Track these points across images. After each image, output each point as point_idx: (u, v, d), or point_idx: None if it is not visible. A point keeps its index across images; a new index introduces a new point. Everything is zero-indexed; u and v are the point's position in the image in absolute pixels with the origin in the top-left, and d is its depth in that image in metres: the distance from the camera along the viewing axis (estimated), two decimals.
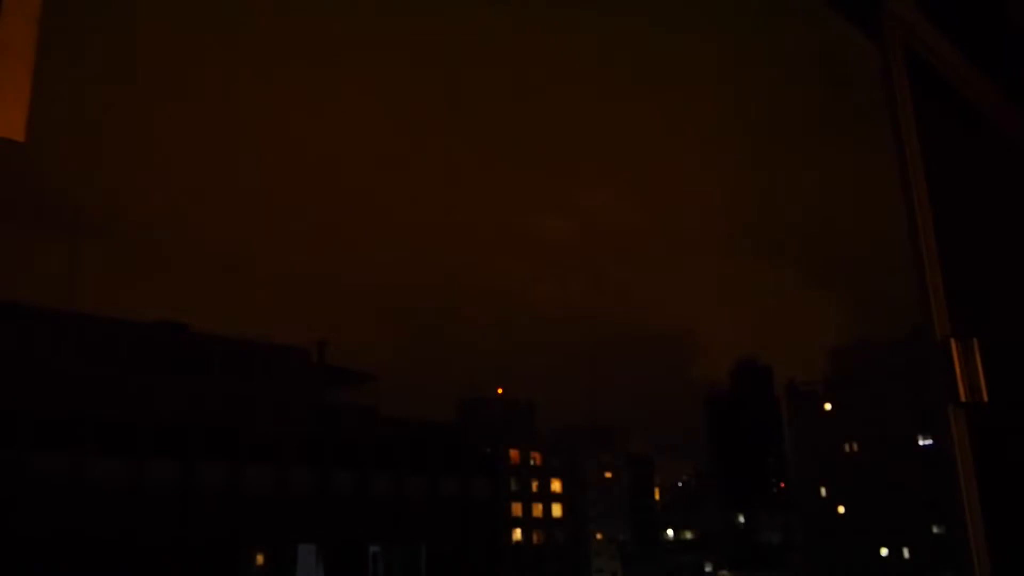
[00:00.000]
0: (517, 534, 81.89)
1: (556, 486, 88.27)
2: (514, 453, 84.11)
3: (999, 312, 2.73)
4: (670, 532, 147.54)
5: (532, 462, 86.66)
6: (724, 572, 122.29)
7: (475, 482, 72.88)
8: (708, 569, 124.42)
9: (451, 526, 68.30)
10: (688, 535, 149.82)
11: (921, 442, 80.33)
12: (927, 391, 70.98)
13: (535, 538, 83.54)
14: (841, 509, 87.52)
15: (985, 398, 2.34)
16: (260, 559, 57.00)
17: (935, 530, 76.88)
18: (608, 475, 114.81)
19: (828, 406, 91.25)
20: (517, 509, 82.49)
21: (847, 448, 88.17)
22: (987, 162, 2.96)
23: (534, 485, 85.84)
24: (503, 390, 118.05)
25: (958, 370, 2.36)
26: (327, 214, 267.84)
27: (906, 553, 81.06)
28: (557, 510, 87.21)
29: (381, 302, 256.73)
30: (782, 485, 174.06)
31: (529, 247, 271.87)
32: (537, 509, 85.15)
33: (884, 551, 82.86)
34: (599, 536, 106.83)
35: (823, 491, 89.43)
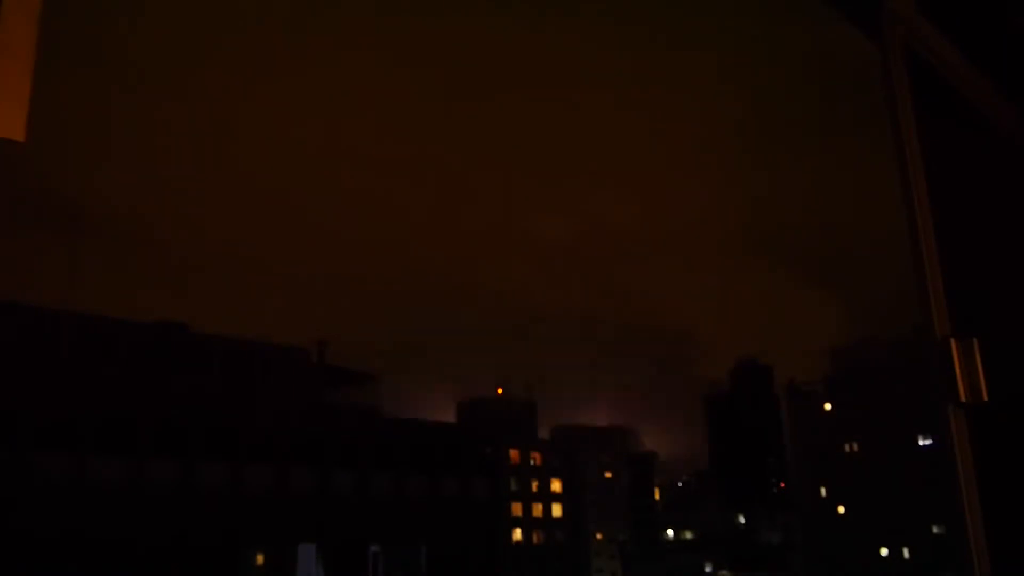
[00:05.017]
0: (517, 534, 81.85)
1: (556, 486, 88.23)
2: (514, 453, 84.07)
3: (999, 312, 2.73)
4: (670, 532, 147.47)
5: (532, 462, 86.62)
6: (724, 572, 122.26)
7: (475, 482, 72.85)
8: (708, 569, 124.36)
9: (451, 526, 68.28)
10: (688, 535, 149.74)
11: (921, 442, 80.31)
12: (927, 391, 70.92)
13: (535, 538, 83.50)
14: (841, 509, 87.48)
15: (985, 398, 2.34)
16: (260, 559, 56.99)
17: (935, 530, 76.85)
18: (608, 475, 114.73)
19: (828, 406, 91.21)
20: (517, 509, 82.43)
21: (847, 448, 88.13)
22: (987, 162, 2.95)
23: (534, 485, 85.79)
24: (503, 390, 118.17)
25: (958, 370, 2.36)
26: (328, 214, 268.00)
27: (906, 553, 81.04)
28: (557, 510, 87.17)
29: (381, 302, 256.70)
30: (782, 485, 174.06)
31: (530, 247, 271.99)
32: (537, 509, 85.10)
33: (884, 551, 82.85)
34: (599, 536, 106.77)
35: (823, 491, 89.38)
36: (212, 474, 55.31)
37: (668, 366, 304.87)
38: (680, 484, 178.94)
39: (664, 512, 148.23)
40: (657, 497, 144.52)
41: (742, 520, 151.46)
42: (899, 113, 2.56)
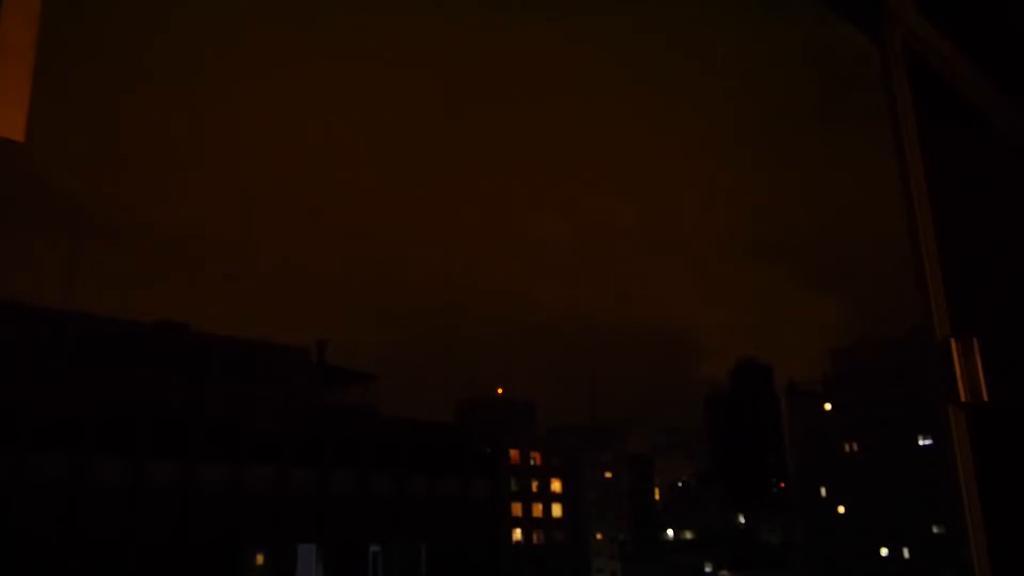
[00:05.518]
0: (517, 534, 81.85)
1: (556, 486, 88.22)
2: (514, 453, 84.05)
3: (999, 312, 2.73)
4: (670, 532, 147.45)
5: (532, 462, 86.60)
6: (724, 572, 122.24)
7: (475, 482, 72.83)
8: (708, 569, 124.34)
9: (451, 526, 68.27)
10: (688, 535, 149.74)
11: (921, 442, 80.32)
12: (927, 391, 70.91)
13: (535, 538, 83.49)
14: (841, 509, 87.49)
15: (985, 398, 2.34)
16: (260, 559, 56.98)
17: (935, 530, 76.87)
18: (608, 475, 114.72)
19: (828, 406, 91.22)
20: (517, 509, 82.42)
21: (847, 448, 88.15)
22: (987, 162, 2.95)
23: (534, 485, 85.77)
24: (503, 390, 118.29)
25: (958, 370, 2.36)
26: (328, 214, 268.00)
27: (906, 553, 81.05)
28: (557, 510, 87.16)
29: (382, 302, 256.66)
30: (782, 485, 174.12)
31: (529, 248, 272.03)
32: (537, 509, 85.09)
33: (884, 551, 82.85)
34: (599, 536, 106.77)
35: (823, 491, 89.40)
36: (212, 474, 55.28)
37: (668, 366, 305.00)
38: (680, 484, 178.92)
39: (664, 512, 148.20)
40: (657, 497, 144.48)
41: (742, 520, 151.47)
42: (899, 113, 2.56)
